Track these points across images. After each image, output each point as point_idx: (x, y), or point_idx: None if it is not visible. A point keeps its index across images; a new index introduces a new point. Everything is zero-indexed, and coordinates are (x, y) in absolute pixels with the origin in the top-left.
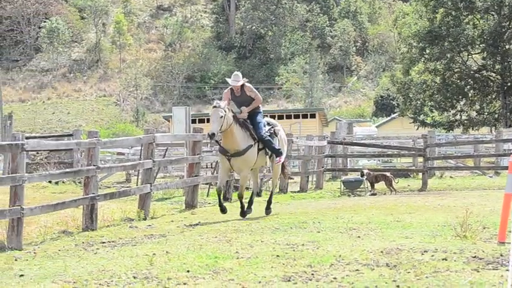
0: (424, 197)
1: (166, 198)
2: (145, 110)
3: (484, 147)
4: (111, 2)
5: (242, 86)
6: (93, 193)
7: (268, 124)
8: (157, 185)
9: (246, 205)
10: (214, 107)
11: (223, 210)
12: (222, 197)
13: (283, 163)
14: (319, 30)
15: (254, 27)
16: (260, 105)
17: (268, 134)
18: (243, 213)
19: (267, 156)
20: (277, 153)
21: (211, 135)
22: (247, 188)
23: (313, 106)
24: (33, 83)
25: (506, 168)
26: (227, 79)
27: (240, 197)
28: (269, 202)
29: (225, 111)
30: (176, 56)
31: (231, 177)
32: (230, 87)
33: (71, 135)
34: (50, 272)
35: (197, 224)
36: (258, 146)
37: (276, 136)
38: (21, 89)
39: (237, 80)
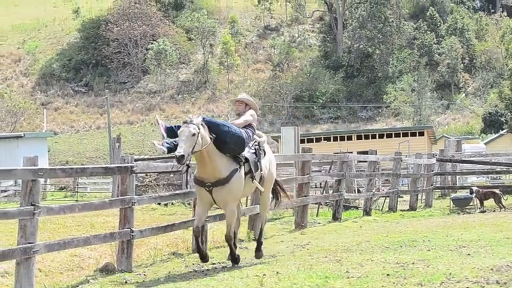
0: None
1: (276, 219)
2: None
3: None
4: (218, 23)
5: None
6: None
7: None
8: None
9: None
10: (185, 122)
11: (203, 257)
12: (200, 241)
13: (280, 185)
14: (426, 48)
15: (362, 45)
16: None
17: (253, 150)
18: (234, 259)
19: (254, 181)
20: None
21: (179, 158)
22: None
23: (422, 124)
24: (141, 104)
25: None
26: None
27: (229, 239)
28: (259, 242)
29: (199, 129)
30: (284, 75)
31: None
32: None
33: None
34: None
35: (307, 244)
36: (245, 169)
37: (263, 153)
38: (129, 111)
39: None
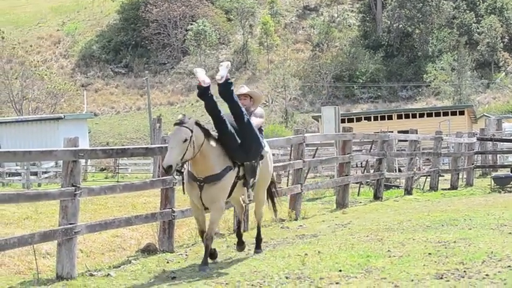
0: None
1: (317, 198)
2: (294, 111)
3: None
4: (257, 4)
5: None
6: None
7: None
8: (308, 185)
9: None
10: (176, 123)
11: (212, 256)
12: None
13: (274, 184)
14: (466, 27)
15: (401, 25)
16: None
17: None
18: (206, 262)
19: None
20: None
21: (167, 169)
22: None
23: (462, 103)
24: (181, 85)
25: None
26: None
27: (209, 239)
28: (258, 240)
29: (192, 131)
30: (324, 55)
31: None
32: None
33: None
34: (201, 274)
35: (348, 223)
36: (239, 172)
37: (262, 159)
38: (169, 92)
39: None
